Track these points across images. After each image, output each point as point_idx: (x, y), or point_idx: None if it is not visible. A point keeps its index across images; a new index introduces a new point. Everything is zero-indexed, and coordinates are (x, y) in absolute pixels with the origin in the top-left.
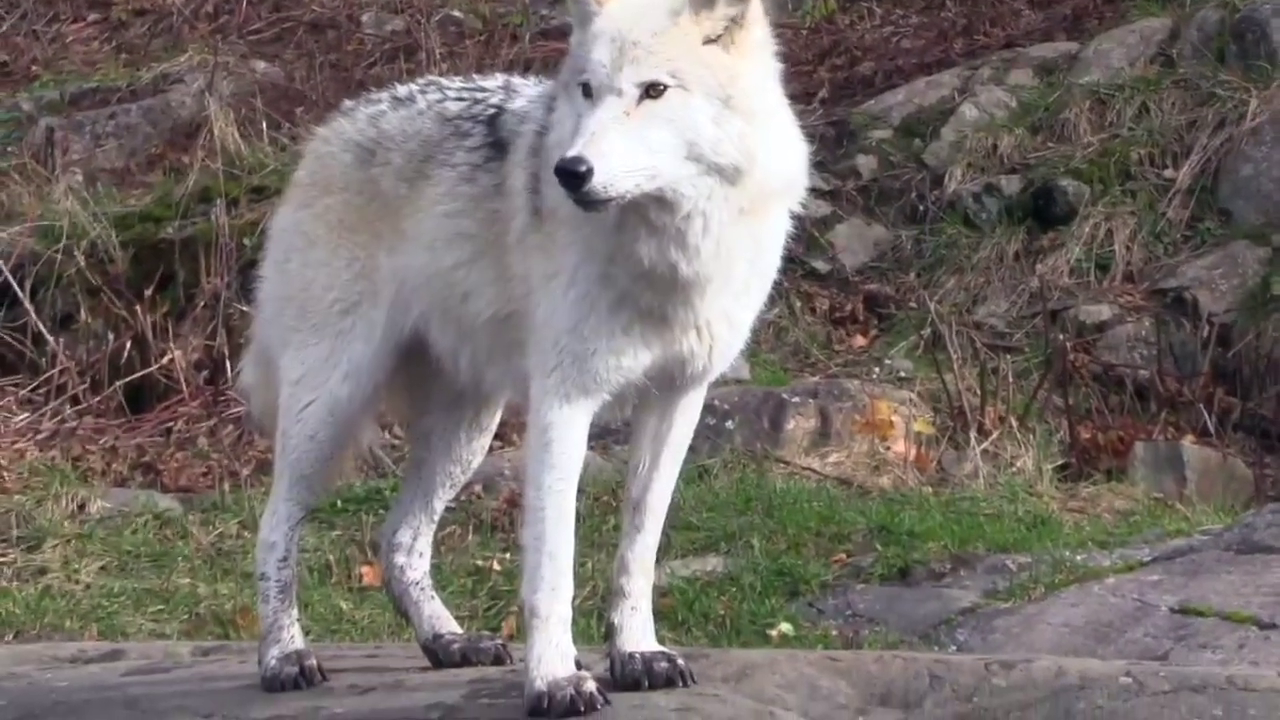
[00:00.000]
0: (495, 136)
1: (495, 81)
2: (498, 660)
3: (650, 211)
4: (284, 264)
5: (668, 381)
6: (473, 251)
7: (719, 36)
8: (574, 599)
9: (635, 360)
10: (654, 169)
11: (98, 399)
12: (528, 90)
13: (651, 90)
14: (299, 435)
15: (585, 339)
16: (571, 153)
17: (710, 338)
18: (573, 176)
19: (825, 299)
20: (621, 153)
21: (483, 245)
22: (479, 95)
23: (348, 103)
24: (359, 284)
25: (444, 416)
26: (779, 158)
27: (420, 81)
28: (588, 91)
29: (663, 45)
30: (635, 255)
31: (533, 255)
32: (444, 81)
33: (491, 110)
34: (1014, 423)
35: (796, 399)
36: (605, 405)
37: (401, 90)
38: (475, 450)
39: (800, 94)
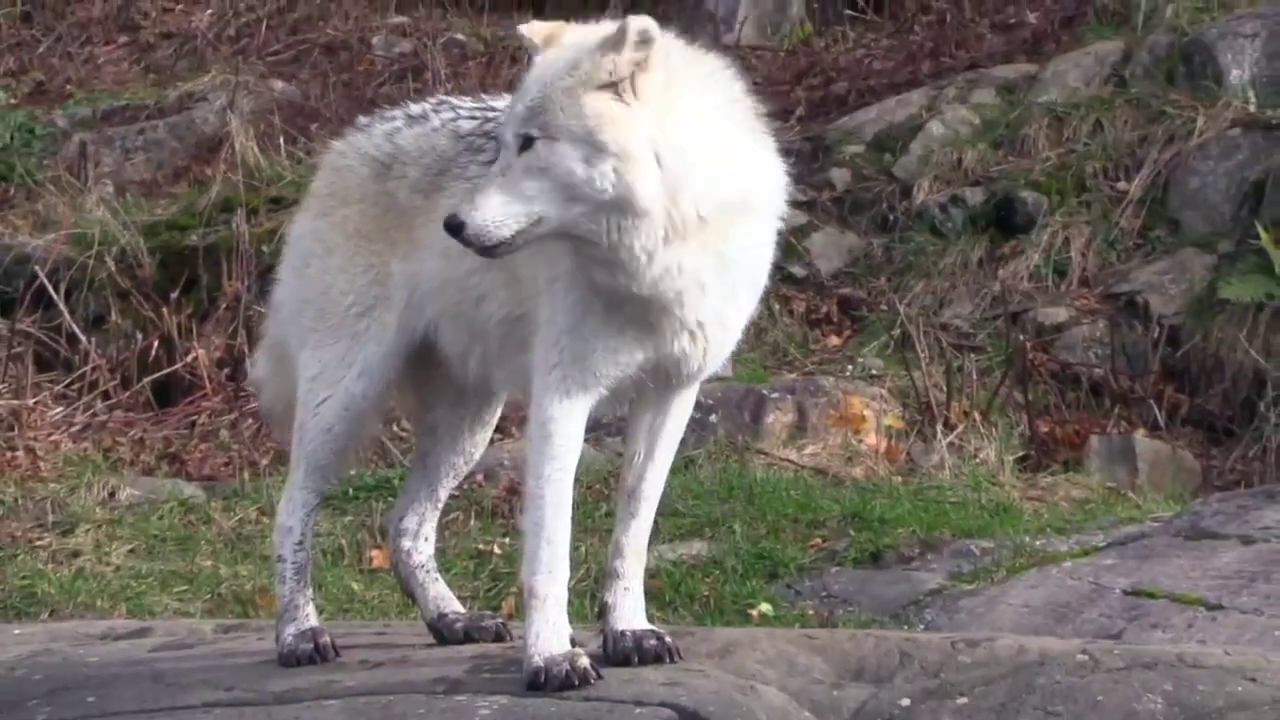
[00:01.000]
0: None
1: (504, 101)
2: (498, 638)
3: (583, 246)
4: (303, 269)
5: (664, 379)
6: None
7: (618, 82)
8: (569, 581)
9: (631, 358)
10: (534, 214)
11: (127, 394)
12: None
13: (525, 142)
14: (315, 428)
15: (584, 338)
16: (451, 210)
17: (705, 339)
18: (451, 229)
19: (802, 302)
20: (495, 205)
21: None
22: (490, 114)
23: (362, 119)
24: (374, 289)
25: (449, 412)
26: (706, 184)
27: (432, 100)
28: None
29: (542, 98)
30: (594, 281)
31: (538, 259)
32: (455, 101)
33: None
34: (977, 417)
35: (775, 395)
36: (603, 400)
37: (415, 109)
38: (478, 443)
39: (779, 111)
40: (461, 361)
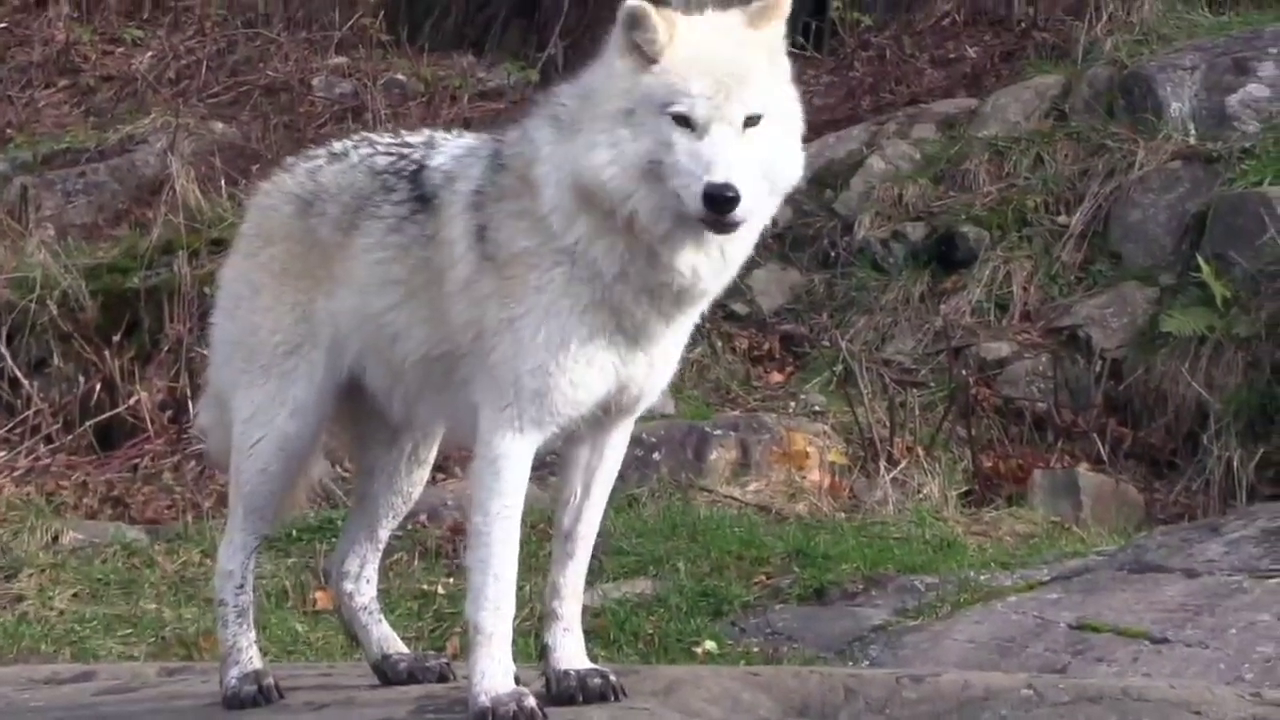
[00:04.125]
0: (420, 191)
1: (419, 137)
2: (442, 678)
3: (680, 227)
4: (233, 310)
5: (603, 411)
6: (401, 295)
7: (771, 57)
8: (513, 620)
9: (590, 394)
10: (756, 191)
11: (70, 438)
12: (448, 146)
13: (751, 120)
14: (251, 470)
15: (549, 375)
16: (720, 179)
17: (662, 366)
18: (722, 201)
19: (744, 339)
20: (751, 177)
21: (412, 289)
22: (404, 151)
23: (289, 159)
24: (300, 327)
25: (384, 452)
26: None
27: (354, 138)
28: (685, 122)
29: (755, 76)
30: (675, 267)
31: (485, 303)
32: (375, 137)
33: (414, 166)
34: (921, 453)
35: (719, 432)
36: (551, 438)
37: (337, 146)
38: (415, 482)
39: None
40: (387, 399)
